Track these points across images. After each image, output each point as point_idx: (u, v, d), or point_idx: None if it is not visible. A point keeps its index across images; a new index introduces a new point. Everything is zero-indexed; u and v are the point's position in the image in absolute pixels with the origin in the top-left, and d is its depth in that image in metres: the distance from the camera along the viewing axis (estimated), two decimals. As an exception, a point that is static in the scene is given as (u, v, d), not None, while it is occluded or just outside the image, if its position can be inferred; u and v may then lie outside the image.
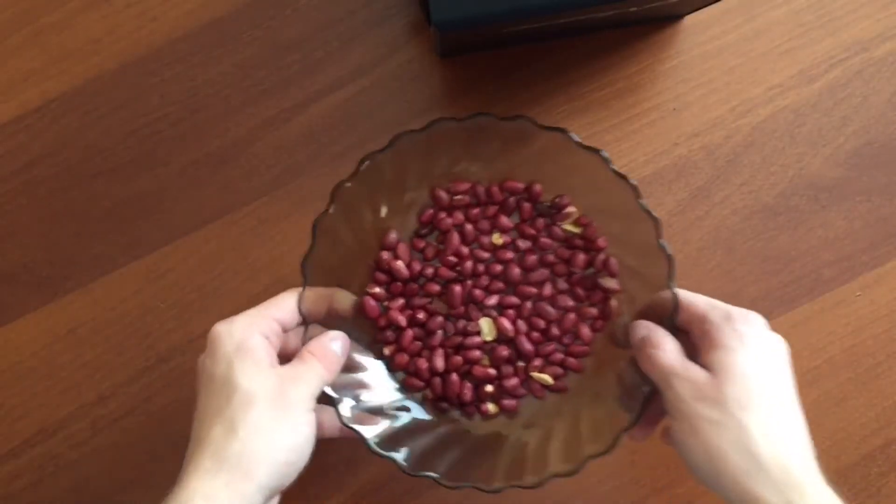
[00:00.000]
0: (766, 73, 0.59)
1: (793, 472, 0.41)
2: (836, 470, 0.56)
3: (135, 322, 0.57)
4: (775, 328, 0.57)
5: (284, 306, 0.48)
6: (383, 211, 0.54)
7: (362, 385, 0.52)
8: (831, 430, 0.57)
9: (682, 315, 0.48)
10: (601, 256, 0.53)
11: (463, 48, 0.57)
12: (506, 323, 0.53)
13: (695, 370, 0.44)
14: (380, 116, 0.58)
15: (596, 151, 0.49)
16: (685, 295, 0.48)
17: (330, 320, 0.50)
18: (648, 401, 0.47)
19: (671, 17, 0.59)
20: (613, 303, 0.53)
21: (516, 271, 0.54)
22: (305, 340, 0.48)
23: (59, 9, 0.59)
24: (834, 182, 0.58)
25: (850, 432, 0.57)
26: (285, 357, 0.47)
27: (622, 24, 0.58)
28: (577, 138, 0.49)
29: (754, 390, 0.43)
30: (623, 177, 0.48)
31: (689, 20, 0.59)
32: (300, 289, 0.49)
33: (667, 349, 0.46)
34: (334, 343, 0.48)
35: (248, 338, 0.45)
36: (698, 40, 0.59)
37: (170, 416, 0.57)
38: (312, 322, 0.49)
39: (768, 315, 0.57)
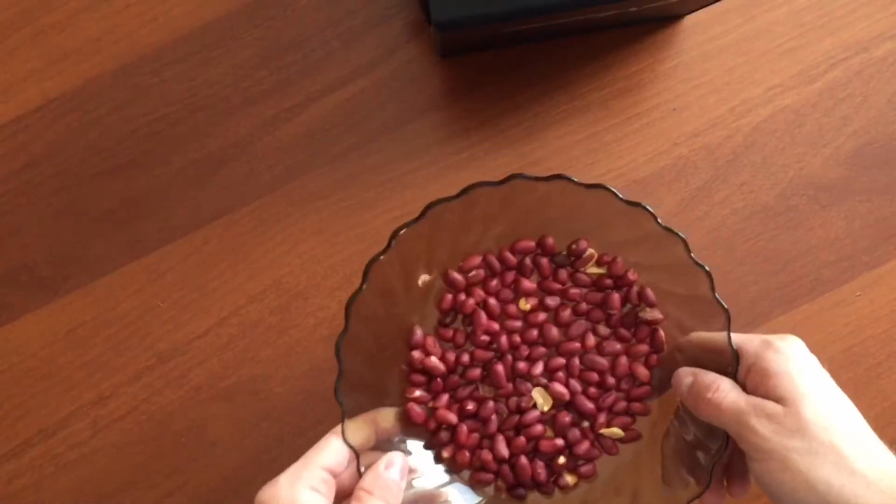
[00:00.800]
0: (766, 73, 0.59)
1: None
2: (836, 470, 0.56)
3: (135, 322, 0.57)
4: (775, 328, 0.57)
5: (329, 450, 0.44)
6: (400, 309, 0.51)
7: (433, 496, 0.49)
8: (831, 430, 0.57)
9: (717, 357, 0.46)
10: (634, 289, 0.51)
11: (463, 48, 0.57)
12: (558, 387, 0.50)
13: (766, 404, 0.42)
14: (380, 116, 0.58)
15: (640, 206, 0.45)
16: (707, 335, 0.46)
17: (381, 443, 0.47)
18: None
19: (671, 17, 0.59)
20: (661, 333, 0.50)
21: (553, 331, 0.51)
22: (360, 471, 0.45)
23: (59, 9, 0.59)
24: (834, 182, 0.58)
25: (850, 432, 0.57)
26: (346, 496, 0.44)
27: (622, 24, 0.58)
28: (619, 194, 0.45)
29: (830, 409, 0.42)
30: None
31: (689, 20, 0.59)
32: (340, 426, 0.45)
33: (727, 389, 0.44)
34: (390, 471, 0.44)
35: (296, 497, 0.41)
36: (698, 40, 0.59)
37: (170, 416, 0.57)
38: (364, 452, 0.45)
39: (768, 315, 0.58)
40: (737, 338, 0.45)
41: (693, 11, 0.59)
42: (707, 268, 0.45)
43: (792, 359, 0.43)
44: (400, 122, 0.58)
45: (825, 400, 0.42)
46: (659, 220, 0.45)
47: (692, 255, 0.46)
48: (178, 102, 0.58)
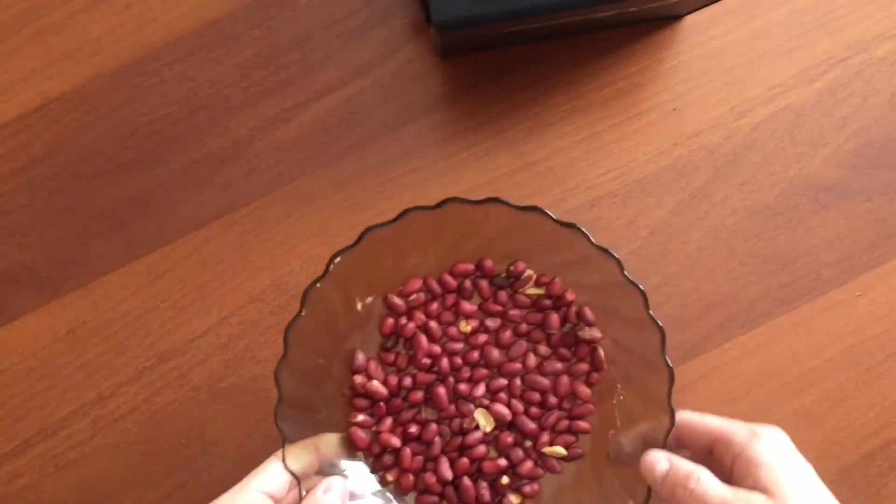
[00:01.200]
0: (766, 73, 0.59)
1: None
2: (836, 470, 0.56)
3: (135, 322, 0.57)
4: (775, 328, 0.57)
5: (269, 473, 0.44)
6: (341, 334, 0.51)
7: None
8: (831, 430, 0.57)
9: (700, 438, 0.45)
10: (573, 309, 0.51)
11: (463, 48, 0.58)
12: (500, 408, 0.50)
13: (752, 496, 0.41)
14: (380, 116, 0.58)
15: (573, 226, 0.46)
16: (692, 416, 0.45)
17: (325, 467, 0.47)
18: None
19: (671, 17, 0.59)
20: (601, 351, 0.51)
21: (494, 352, 0.51)
22: (301, 495, 0.45)
23: (59, 9, 0.59)
24: (834, 182, 0.58)
25: (850, 432, 0.57)
26: None
27: (622, 24, 0.58)
28: (553, 216, 0.45)
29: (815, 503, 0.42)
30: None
31: (689, 20, 0.59)
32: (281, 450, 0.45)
33: (707, 479, 0.42)
34: (328, 496, 0.44)
35: None
36: (698, 40, 0.59)
37: (170, 416, 0.57)
38: (307, 477, 0.45)
39: (768, 315, 0.58)
40: (724, 424, 0.45)
41: (693, 11, 0.59)
42: (641, 287, 0.45)
43: (779, 450, 0.43)
44: (400, 122, 0.58)
45: (812, 495, 0.42)
46: (593, 240, 0.45)
47: (626, 273, 0.45)
48: (178, 102, 0.58)
